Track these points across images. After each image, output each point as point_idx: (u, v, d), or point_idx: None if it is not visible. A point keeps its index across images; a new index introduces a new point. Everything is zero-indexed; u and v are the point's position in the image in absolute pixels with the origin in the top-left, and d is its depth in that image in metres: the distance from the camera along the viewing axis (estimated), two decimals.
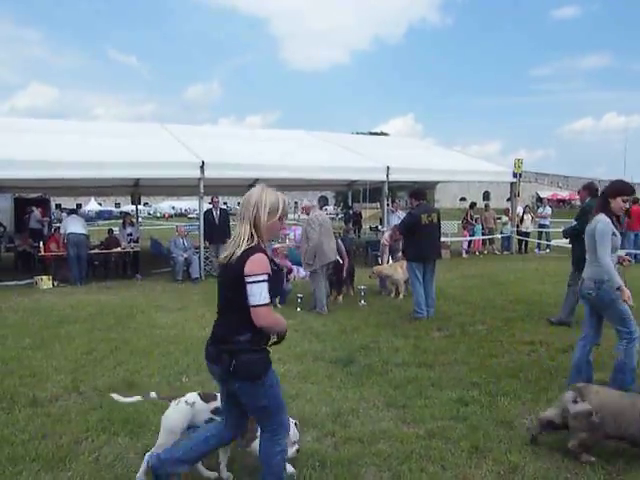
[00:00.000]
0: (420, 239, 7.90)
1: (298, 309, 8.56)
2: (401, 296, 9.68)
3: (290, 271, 9.09)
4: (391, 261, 10.87)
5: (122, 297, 10.12)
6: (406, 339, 6.61)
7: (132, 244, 13.25)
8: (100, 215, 53.26)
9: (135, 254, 13.24)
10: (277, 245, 10.17)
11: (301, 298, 8.80)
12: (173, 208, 68.85)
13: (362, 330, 7.14)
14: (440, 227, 8.50)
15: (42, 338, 6.97)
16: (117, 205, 67.66)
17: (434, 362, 5.61)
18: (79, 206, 70.05)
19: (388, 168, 14.47)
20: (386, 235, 11.17)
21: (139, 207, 70.94)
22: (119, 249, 13.13)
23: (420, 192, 8.50)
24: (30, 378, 5.37)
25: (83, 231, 12.31)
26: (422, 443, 3.70)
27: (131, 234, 13.26)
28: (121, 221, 14.13)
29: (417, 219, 7.97)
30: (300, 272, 10.63)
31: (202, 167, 12.53)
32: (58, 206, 58.60)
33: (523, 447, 3.64)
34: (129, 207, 52.60)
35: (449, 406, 4.35)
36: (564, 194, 70.57)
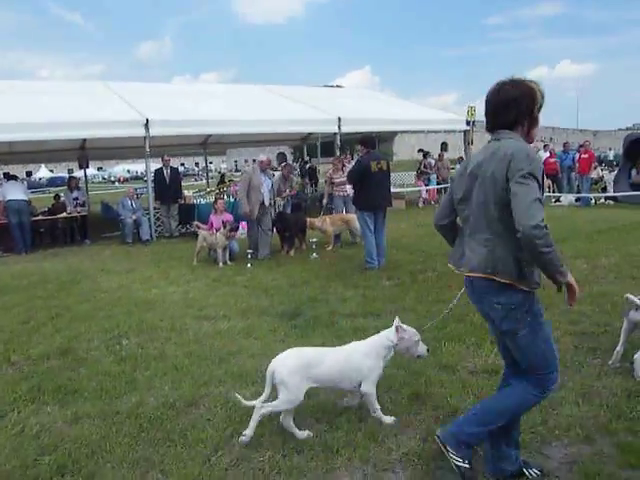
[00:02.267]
0: (370, 187, 7.71)
1: (249, 265, 8.38)
2: (329, 247, 9.70)
3: (236, 228, 8.86)
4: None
5: (68, 263, 9.74)
6: (355, 289, 6.53)
7: (79, 208, 12.71)
8: (52, 182, 51.39)
9: (83, 219, 12.74)
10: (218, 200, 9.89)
11: (251, 254, 8.63)
12: (128, 172, 66.98)
13: (312, 283, 7.03)
14: (389, 175, 8.33)
15: None
16: (70, 171, 65.40)
17: (382, 311, 5.54)
18: (29, 174, 67.79)
19: (339, 119, 14.16)
20: (330, 171, 11.12)
21: (94, 172, 68.56)
22: (64, 214, 12.60)
23: (369, 139, 8.23)
24: None
25: (24, 197, 11.75)
26: None
27: (77, 198, 12.70)
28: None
29: (366, 167, 7.74)
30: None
31: (146, 125, 12.00)
32: (6, 174, 56.38)
33: (464, 390, 3.60)
34: (81, 172, 51.10)
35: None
36: None
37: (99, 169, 75.89)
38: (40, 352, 4.87)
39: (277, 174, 10.73)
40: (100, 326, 5.58)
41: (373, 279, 7.06)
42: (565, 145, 17.48)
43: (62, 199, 13.58)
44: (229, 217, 9.12)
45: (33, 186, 49.87)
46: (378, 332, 4.76)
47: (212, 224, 9.30)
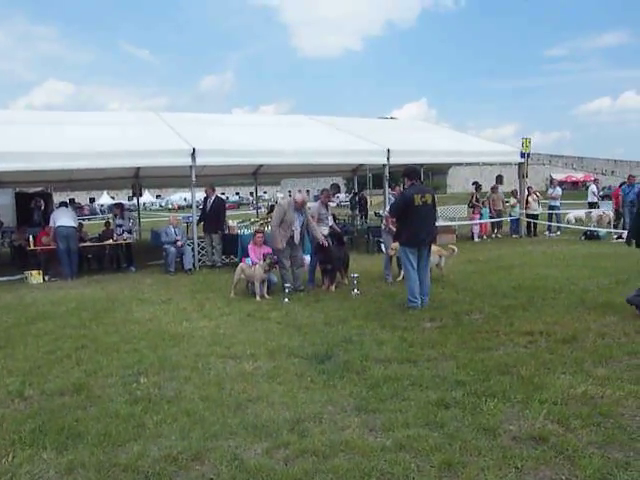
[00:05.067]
0: (413, 222, 7.31)
1: (286, 300, 8.05)
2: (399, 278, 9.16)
3: (275, 262, 8.59)
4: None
5: (108, 291, 9.70)
6: (394, 331, 6.07)
7: (125, 235, 12.81)
8: (111, 209, 53.08)
9: (128, 246, 12.81)
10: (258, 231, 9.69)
11: (289, 288, 8.31)
12: (185, 200, 68.63)
13: (349, 322, 6.61)
14: (435, 209, 7.91)
15: (9, 336, 6.58)
16: (129, 198, 67.88)
17: (419, 357, 5.07)
18: (92, 200, 70.65)
19: (389, 151, 13.85)
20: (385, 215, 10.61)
21: (152, 199, 71.13)
22: (111, 241, 12.72)
23: (414, 171, 7.86)
24: None
25: (72, 223, 11.91)
26: (387, 457, 3.17)
27: (121, 225, 12.82)
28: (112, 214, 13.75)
29: (410, 200, 7.34)
30: (306, 260, 10.14)
31: (193, 154, 12.05)
32: (72, 201, 59.04)
33: (504, 461, 3.09)
34: (143, 199, 52.73)
35: (426, 410, 3.81)
36: (578, 176, 68.95)
37: (157, 197, 78.36)
38: (55, 387, 4.66)
39: (316, 203, 10.37)
40: (122, 361, 5.35)
41: (414, 320, 6.58)
42: (630, 178, 16.47)
43: (112, 226, 13.76)
44: (268, 250, 8.87)
45: (94, 212, 51.87)
46: (412, 384, 4.37)
47: (252, 254, 9.07)
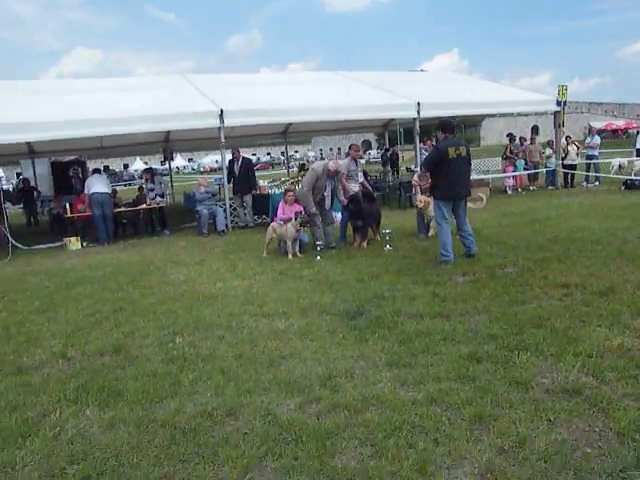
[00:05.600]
0: (447, 175, 7.19)
1: (318, 257, 8.08)
2: (431, 233, 9.09)
3: (307, 221, 8.60)
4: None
5: (143, 255, 9.91)
6: (426, 286, 6.03)
7: (158, 199, 12.98)
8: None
9: (161, 210, 12.99)
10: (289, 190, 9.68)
11: (320, 246, 8.32)
12: (217, 162, 68.88)
13: (381, 278, 6.60)
14: (470, 162, 7.74)
15: (51, 301, 6.81)
16: (162, 163, 68.47)
17: (452, 312, 5.03)
18: (126, 166, 71.60)
19: (419, 104, 13.54)
20: (415, 176, 10.45)
21: (185, 163, 71.63)
22: (144, 206, 12.91)
23: (447, 124, 7.66)
24: (25, 344, 5.15)
25: (106, 190, 12.12)
26: (418, 411, 3.19)
27: (152, 189, 12.96)
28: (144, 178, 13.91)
29: (444, 153, 7.21)
30: (337, 217, 10.14)
31: (221, 115, 12.00)
32: (107, 168, 60.05)
33: (537, 414, 3.07)
34: (175, 163, 53.15)
35: (458, 364, 3.80)
36: (619, 123, 66.14)
37: (189, 160, 78.81)
38: (96, 348, 4.82)
39: (346, 159, 10.26)
40: (158, 322, 5.48)
41: (447, 274, 6.52)
42: None
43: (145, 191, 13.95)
44: (299, 208, 8.85)
45: (128, 178, 52.60)
46: (444, 339, 4.36)
47: (281, 212, 9.08)
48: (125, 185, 39.73)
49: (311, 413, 3.30)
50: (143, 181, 15.89)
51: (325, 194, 8.97)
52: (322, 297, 5.96)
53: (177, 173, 54.44)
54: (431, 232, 9.11)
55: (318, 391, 3.56)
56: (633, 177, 15.35)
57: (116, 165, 72.40)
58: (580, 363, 3.66)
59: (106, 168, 57.25)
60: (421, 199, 9.12)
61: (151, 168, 15.14)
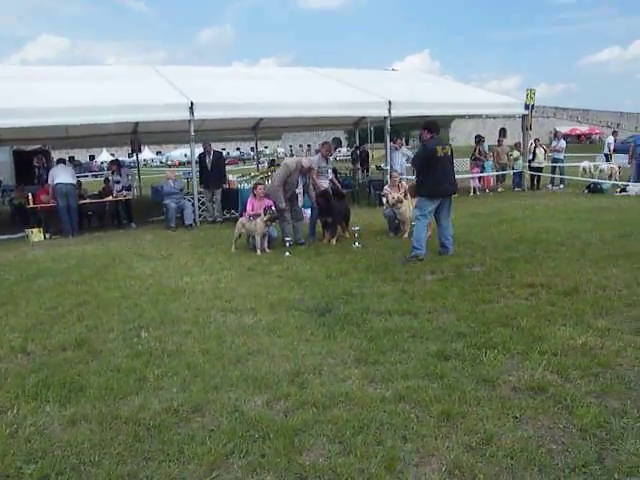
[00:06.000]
0: (436, 173, 7.36)
1: (287, 253, 8.03)
2: (405, 235, 9.11)
3: (276, 217, 8.53)
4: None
5: (109, 247, 9.69)
6: (395, 283, 6.06)
7: (125, 192, 12.72)
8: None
9: (127, 202, 12.74)
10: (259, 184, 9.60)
11: (289, 242, 8.28)
12: (185, 156, 67.95)
13: (349, 275, 6.60)
14: (453, 161, 7.91)
15: (11, 293, 6.59)
16: (129, 155, 67.20)
17: (420, 309, 5.06)
18: (92, 157, 70.05)
19: (390, 103, 13.58)
20: (386, 187, 10.46)
21: (153, 156, 69.97)
22: (110, 198, 12.64)
23: (434, 124, 7.85)
24: None
25: (71, 180, 11.82)
26: (386, 408, 3.19)
27: (119, 182, 12.69)
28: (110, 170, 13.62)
29: (432, 151, 7.40)
30: (306, 214, 10.09)
31: (191, 108, 11.82)
32: (72, 159, 58.53)
33: (503, 411, 3.10)
34: (143, 156, 52.12)
35: (426, 361, 3.82)
36: (583, 128, 67.97)
37: (158, 153, 77.50)
38: (57, 342, 4.68)
39: (317, 156, 10.24)
40: (123, 315, 5.36)
41: (415, 272, 6.57)
42: None
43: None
44: (269, 202, 8.77)
45: (94, 169, 51.47)
46: (412, 336, 4.37)
47: (251, 207, 8.99)
48: (92, 176, 38.86)
49: (279, 410, 3.27)
50: (109, 173, 15.55)
51: (297, 191, 8.97)
52: (291, 293, 5.93)
53: (145, 166, 53.47)
54: (405, 235, 9.12)
55: (286, 388, 3.53)
56: (595, 180, 15.74)
57: (82, 156, 70.61)
58: (545, 361, 3.71)
59: (71, 159, 55.93)
60: (393, 195, 9.15)
61: (117, 160, 14.82)
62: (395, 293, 5.68)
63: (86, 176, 37.20)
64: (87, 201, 12.74)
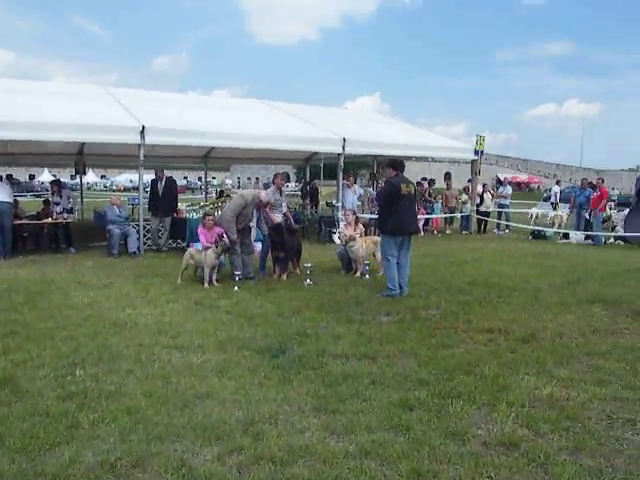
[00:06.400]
0: (398, 211, 7.35)
1: (236, 288, 7.69)
2: (357, 274, 8.93)
3: (228, 248, 8.19)
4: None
5: (44, 272, 9.04)
6: (350, 325, 5.83)
7: (66, 214, 12.06)
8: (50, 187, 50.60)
9: (67, 225, 12.06)
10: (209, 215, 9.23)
11: (239, 276, 7.94)
12: (131, 181, 66.42)
13: (302, 313, 6.33)
14: (416, 200, 7.91)
15: None
16: (72, 177, 65.04)
17: (378, 353, 4.83)
18: (32, 177, 67.36)
19: (344, 140, 13.60)
20: (341, 225, 10.35)
21: (97, 180, 67.80)
22: (49, 220, 11.94)
23: (399, 162, 7.83)
24: None
25: (7, 199, 11.09)
26: (351, 464, 2.91)
27: (58, 203, 12.03)
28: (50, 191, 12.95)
29: (397, 189, 7.39)
30: (257, 247, 9.76)
31: (142, 132, 11.41)
32: (9, 177, 56.04)
33: (477, 470, 2.88)
34: (87, 179, 50.41)
35: (389, 411, 3.57)
36: (523, 177, 71.51)
37: (102, 177, 75.46)
38: None
39: (271, 188, 10.01)
40: (56, 350, 4.87)
41: (370, 313, 6.37)
42: (582, 182, 16.84)
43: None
44: (220, 230, 8.43)
45: (33, 189, 49.40)
46: (373, 383, 4.13)
47: (204, 238, 8.58)
48: (32, 196, 37.24)
49: (232, 465, 2.93)
50: (49, 194, 14.79)
51: (251, 225, 8.71)
52: (241, 331, 5.60)
53: (89, 189, 51.82)
54: (357, 274, 8.95)
55: (239, 439, 3.20)
56: (542, 228, 16.24)
57: (21, 174, 67.83)
58: (514, 414, 3.55)
59: (9, 177, 53.56)
60: (346, 233, 9.01)
61: (59, 180, 14.06)
62: (351, 335, 5.44)
63: (25, 195, 35.51)
64: (23, 221, 11.99)
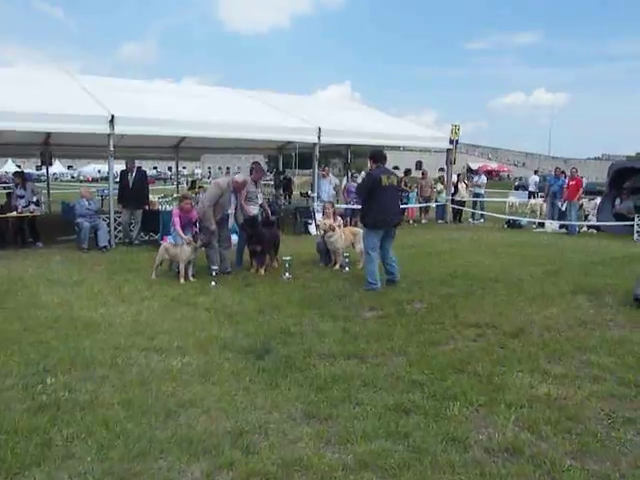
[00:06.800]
0: (380, 203, 7.16)
1: (213, 283, 7.44)
2: (336, 266, 8.75)
3: (208, 243, 7.92)
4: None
5: (10, 269, 8.61)
6: (334, 321, 5.63)
7: (32, 207, 11.55)
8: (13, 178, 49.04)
9: (33, 219, 11.57)
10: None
11: (215, 271, 7.68)
12: (99, 172, 64.89)
13: (283, 309, 6.11)
14: (400, 192, 7.76)
15: None
16: (38, 168, 63.23)
17: (366, 352, 4.66)
18: None
19: (320, 129, 13.37)
20: (319, 216, 10.16)
21: (64, 170, 65.98)
22: (14, 214, 11.43)
23: (380, 154, 7.66)
24: None
25: None
26: (350, 478, 2.73)
27: (23, 196, 11.51)
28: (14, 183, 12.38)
29: (377, 180, 7.22)
30: (234, 240, 9.44)
31: (112, 122, 10.98)
32: None
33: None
34: (53, 169, 48.96)
35: (385, 417, 3.40)
36: (493, 165, 72.50)
37: (69, 167, 73.62)
38: None
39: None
40: (24, 356, 4.56)
41: (353, 308, 6.19)
42: (556, 170, 16.96)
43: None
44: (195, 215, 8.15)
45: (7, 181, 47.84)
46: (364, 385, 3.95)
47: (174, 220, 8.22)
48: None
49: None
50: (13, 186, 14.18)
51: (229, 212, 8.36)
52: (221, 330, 5.36)
53: (55, 180, 50.40)
54: (337, 266, 8.78)
55: (228, 453, 2.98)
56: (514, 217, 16.33)
57: None
58: (514, 416, 3.41)
59: None
60: (326, 223, 8.81)
61: (22, 172, 13.45)
62: (336, 332, 5.26)
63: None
64: None
